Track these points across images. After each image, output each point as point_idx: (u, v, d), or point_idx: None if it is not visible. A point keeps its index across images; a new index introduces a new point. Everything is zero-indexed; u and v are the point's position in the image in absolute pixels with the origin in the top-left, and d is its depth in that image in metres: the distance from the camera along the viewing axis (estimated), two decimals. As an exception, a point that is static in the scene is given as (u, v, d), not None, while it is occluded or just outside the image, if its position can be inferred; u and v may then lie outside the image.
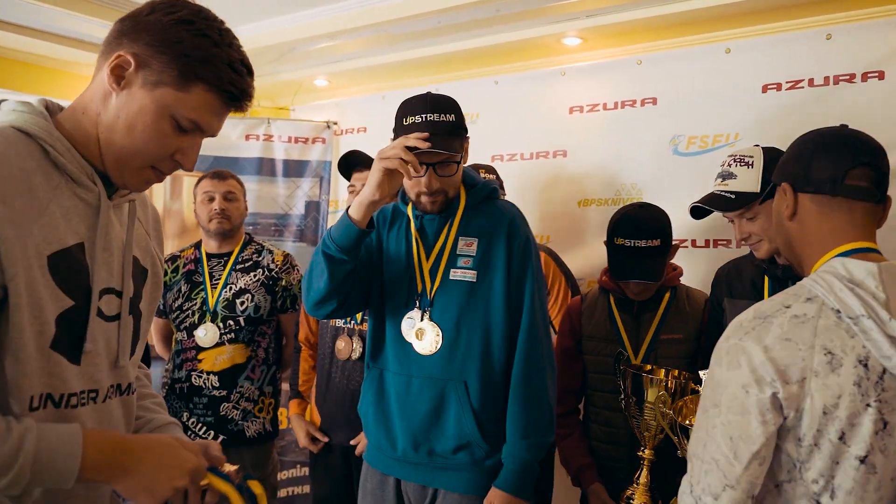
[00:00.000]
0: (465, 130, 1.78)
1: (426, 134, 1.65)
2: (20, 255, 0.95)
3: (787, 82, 2.50)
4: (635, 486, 1.89)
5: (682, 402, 1.75)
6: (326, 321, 2.43)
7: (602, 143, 2.90)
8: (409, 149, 1.63)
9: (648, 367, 1.96)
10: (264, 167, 3.67)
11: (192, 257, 2.61)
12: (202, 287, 2.52)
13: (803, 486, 1.09)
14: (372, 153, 3.52)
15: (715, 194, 1.89)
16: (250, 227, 3.59)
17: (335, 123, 3.78)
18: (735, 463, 1.09)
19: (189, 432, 2.44)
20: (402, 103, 1.77)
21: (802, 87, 2.47)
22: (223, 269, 2.54)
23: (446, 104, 1.73)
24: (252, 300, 2.50)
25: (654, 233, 2.01)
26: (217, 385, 2.45)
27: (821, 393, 1.05)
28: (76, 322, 1.04)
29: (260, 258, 2.60)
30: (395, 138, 1.74)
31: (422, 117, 1.69)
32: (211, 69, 1.04)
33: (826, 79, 2.42)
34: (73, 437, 0.97)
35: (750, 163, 1.87)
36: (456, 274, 1.76)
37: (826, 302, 1.10)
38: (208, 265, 2.57)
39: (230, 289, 2.51)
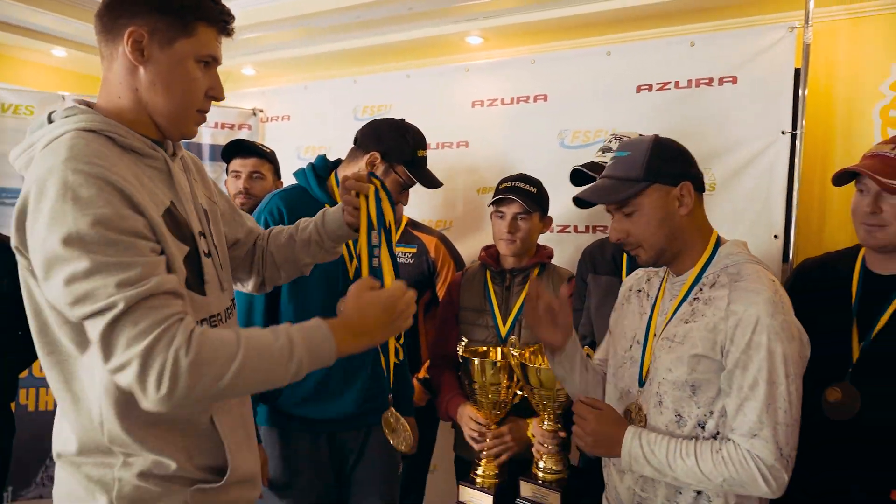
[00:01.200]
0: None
1: None
2: (157, 221, 1.15)
3: (657, 84, 2.73)
4: (481, 457, 2.10)
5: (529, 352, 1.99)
6: None
7: (500, 135, 3.11)
8: None
9: (482, 349, 2.18)
10: (191, 151, 3.80)
11: None
12: None
13: None
14: (295, 140, 3.74)
15: (594, 162, 2.11)
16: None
17: (261, 111, 3.92)
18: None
19: None
20: None
21: (670, 89, 2.70)
22: None
23: None
24: None
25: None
26: None
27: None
28: (193, 263, 1.25)
29: None
30: None
31: None
32: (203, 10, 1.23)
33: (689, 82, 2.66)
34: (320, 326, 1.20)
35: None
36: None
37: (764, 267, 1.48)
38: None
39: None
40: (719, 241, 1.55)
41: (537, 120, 3.00)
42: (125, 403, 1.15)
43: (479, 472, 2.07)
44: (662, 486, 1.49)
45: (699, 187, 1.54)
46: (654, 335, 1.55)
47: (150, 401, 1.05)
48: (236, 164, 2.62)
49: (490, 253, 2.40)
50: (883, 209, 1.63)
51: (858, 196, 1.71)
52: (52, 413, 1.29)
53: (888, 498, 1.54)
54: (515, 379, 2.02)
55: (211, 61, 1.25)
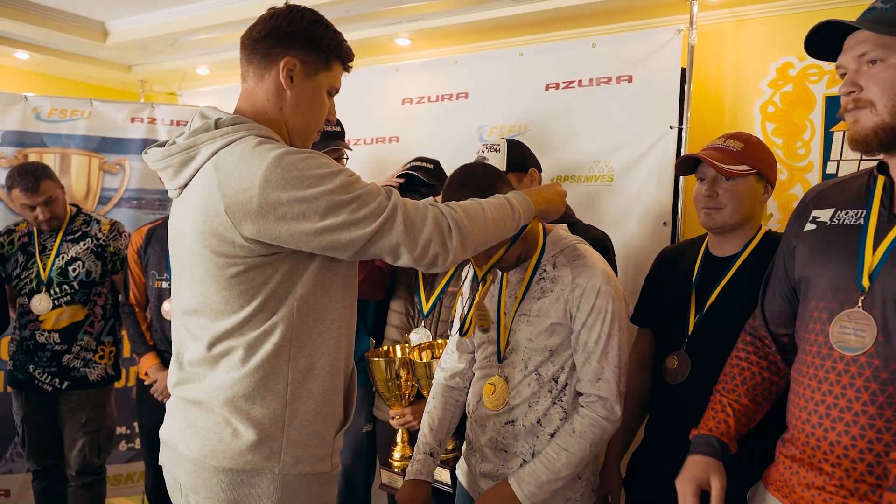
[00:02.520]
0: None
1: None
2: None
3: (563, 82, 2.91)
4: (396, 444, 2.30)
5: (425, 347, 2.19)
6: (151, 283, 2.85)
7: (427, 130, 3.30)
8: None
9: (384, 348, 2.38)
10: (147, 146, 3.99)
11: (26, 230, 3.02)
12: (34, 258, 2.94)
13: None
14: (245, 136, 3.91)
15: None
16: (135, 202, 3.93)
17: (215, 109, 4.10)
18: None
19: (36, 381, 2.84)
20: None
21: (574, 87, 2.89)
22: (54, 241, 2.97)
23: None
24: (83, 266, 2.93)
25: None
26: (58, 341, 2.89)
27: None
28: None
29: (88, 228, 3.02)
30: None
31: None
32: (341, 50, 1.49)
33: (591, 80, 2.85)
34: (518, 193, 1.59)
35: (497, 149, 2.28)
36: None
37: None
38: (40, 238, 2.98)
39: (62, 258, 2.94)
40: (545, 232, 1.78)
41: (460, 116, 3.19)
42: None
43: (396, 455, 2.27)
44: (522, 432, 1.72)
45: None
46: (506, 314, 1.75)
47: (450, 257, 1.40)
48: None
49: None
50: (718, 193, 1.82)
51: (699, 184, 1.90)
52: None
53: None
54: (412, 373, 2.21)
55: (334, 92, 1.52)
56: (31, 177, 2.82)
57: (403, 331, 2.43)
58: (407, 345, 2.29)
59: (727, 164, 1.80)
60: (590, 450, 1.65)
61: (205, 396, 1.38)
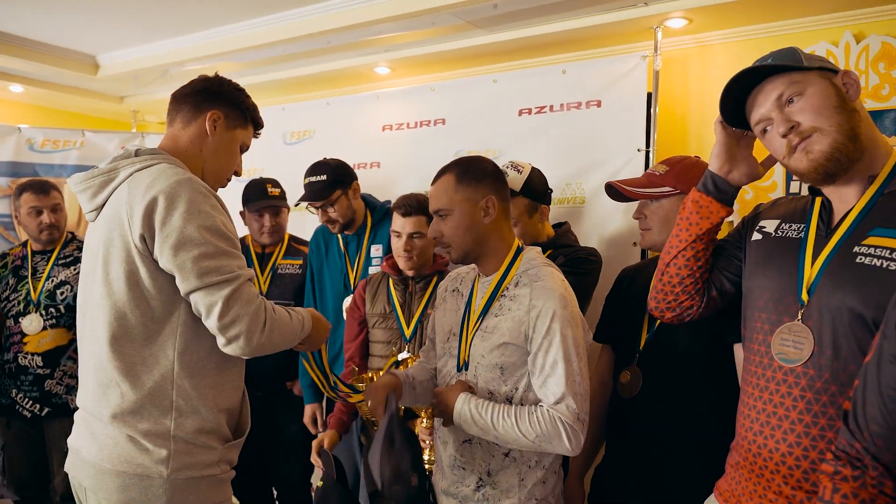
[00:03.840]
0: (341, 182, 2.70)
1: None
2: None
3: (535, 108, 2.98)
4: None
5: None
6: None
7: (407, 155, 3.37)
8: None
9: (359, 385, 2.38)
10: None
11: (21, 254, 3.09)
12: (26, 280, 2.97)
13: None
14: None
15: None
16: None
17: (136, 144, 4.18)
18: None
19: (17, 406, 2.87)
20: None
21: (546, 112, 2.96)
22: (46, 264, 3.01)
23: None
24: (71, 290, 2.95)
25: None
26: (41, 364, 2.91)
27: None
28: None
29: (80, 254, 2.99)
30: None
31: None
32: (256, 114, 1.79)
33: (562, 105, 2.92)
34: (310, 321, 1.74)
35: (519, 170, 2.32)
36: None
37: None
38: (33, 260, 3.04)
39: (52, 281, 2.98)
40: (520, 248, 1.79)
41: (437, 141, 3.25)
42: (195, 364, 1.57)
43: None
44: (479, 450, 1.74)
45: (503, 199, 1.77)
46: (470, 326, 1.79)
47: (248, 347, 1.50)
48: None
49: (391, 263, 2.57)
50: (646, 215, 1.90)
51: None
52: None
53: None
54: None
55: (245, 149, 1.79)
56: (43, 183, 3.04)
57: (387, 359, 2.45)
58: (394, 358, 2.30)
59: (647, 188, 1.87)
60: (530, 441, 1.59)
61: None
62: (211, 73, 1.79)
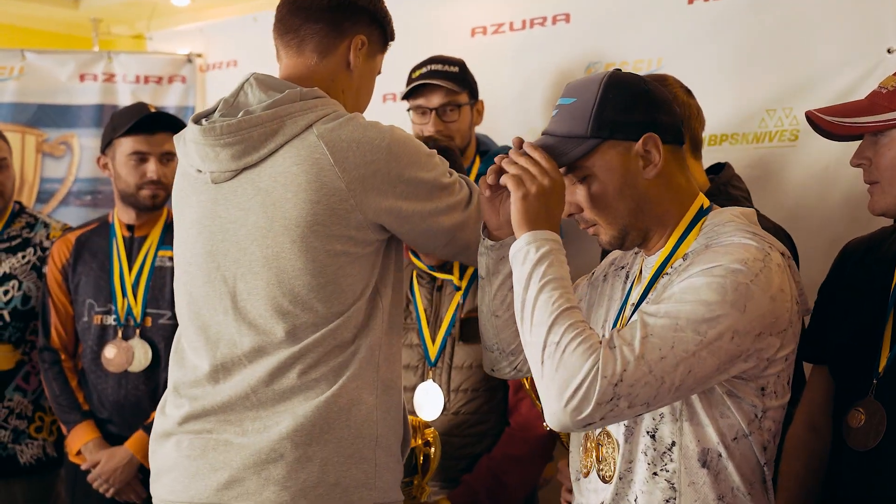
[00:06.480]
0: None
1: None
2: None
3: None
4: None
5: None
6: (86, 317, 2.89)
7: (508, 73, 3.32)
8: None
9: None
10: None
11: None
12: None
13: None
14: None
15: None
16: (88, 197, 4.03)
17: (199, 56, 4.18)
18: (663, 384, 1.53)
19: None
20: None
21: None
22: None
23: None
24: (19, 288, 2.96)
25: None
26: None
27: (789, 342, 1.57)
28: None
29: (31, 234, 3.05)
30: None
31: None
32: (392, 30, 1.94)
33: None
34: None
35: None
36: None
37: (776, 247, 1.59)
38: None
39: None
40: (704, 210, 1.67)
41: (557, 49, 3.21)
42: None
43: None
44: None
45: (672, 138, 1.65)
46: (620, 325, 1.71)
47: None
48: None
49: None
50: (871, 158, 1.81)
51: None
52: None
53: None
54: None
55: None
56: None
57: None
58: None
59: (868, 117, 1.78)
60: (537, 352, 1.49)
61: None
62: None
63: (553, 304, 1.49)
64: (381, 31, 1.88)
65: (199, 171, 1.77)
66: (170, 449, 1.77)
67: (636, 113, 1.63)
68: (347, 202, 1.66)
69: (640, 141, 1.61)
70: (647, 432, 1.60)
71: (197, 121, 1.78)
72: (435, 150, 1.81)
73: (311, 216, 1.65)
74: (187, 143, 1.79)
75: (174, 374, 1.84)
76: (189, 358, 1.80)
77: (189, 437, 1.74)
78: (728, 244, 1.55)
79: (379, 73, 1.95)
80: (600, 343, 1.44)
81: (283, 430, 1.66)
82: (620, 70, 1.72)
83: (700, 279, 1.48)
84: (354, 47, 1.80)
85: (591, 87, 1.65)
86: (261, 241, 1.69)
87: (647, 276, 1.68)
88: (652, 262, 1.69)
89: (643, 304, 1.64)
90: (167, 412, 1.81)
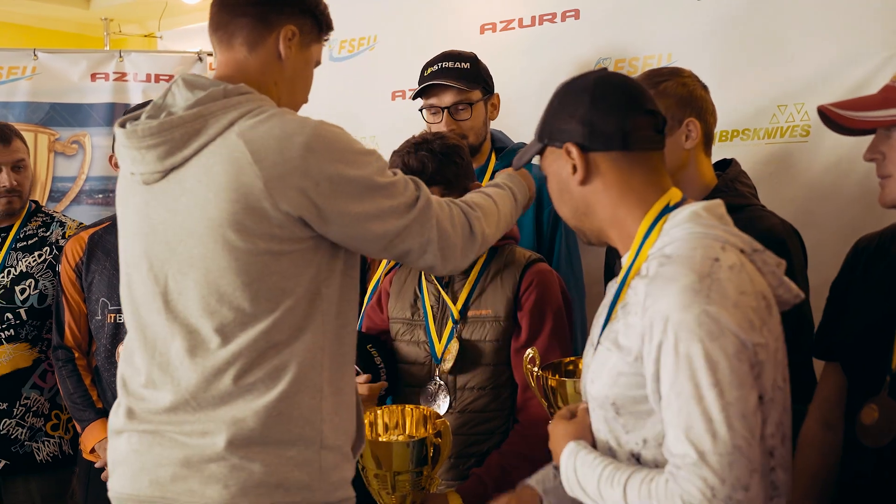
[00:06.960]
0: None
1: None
2: None
3: None
4: None
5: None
6: (100, 315, 2.90)
7: (518, 69, 3.28)
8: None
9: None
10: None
11: None
12: None
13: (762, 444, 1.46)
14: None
15: None
16: (99, 196, 4.05)
17: (210, 55, 4.18)
18: (753, 442, 1.43)
19: None
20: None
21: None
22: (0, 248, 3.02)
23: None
24: (36, 287, 2.99)
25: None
26: None
27: (770, 339, 1.47)
28: None
29: (47, 233, 3.08)
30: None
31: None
32: (328, 19, 1.93)
33: None
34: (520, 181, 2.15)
35: None
36: None
37: (732, 243, 1.52)
38: None
39: (8, 273, 2.99)
40: (669, 208, 1.62)
41: (567, 45, 3.20)
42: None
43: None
44: None
45: (612, 145, 1.62)
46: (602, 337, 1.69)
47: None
48: None
49: None
50: (884, 153, 1.81)
51: None
52: None
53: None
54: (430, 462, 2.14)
55: (316, 66, 1.95)
56: (5, 129, 3.06)
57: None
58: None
59: (881, 111, 1.78)
60: None
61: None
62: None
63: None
64: (314, 21, 1.87)
65: (132, 174, 1.76)
66: (122, 444, 1.78)
67: (571, 120, 1.63)
68: (267, 200, 1.62)
69: (563, 149, 1.62)
70: (633, 454, 1.58)
71: (123, 124, 1.77)
72: (373, 149, 1.77)
73: (231, 215, 1.63)
74: (119, 147, 1.79)
75: (124, 371, 1.84)
76: (135, 359, 1.81)
77: (137, 434, 1.75)
78: (671, 271, 1.48)
79: (318, 64, 1.94)
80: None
81: (225, 435, 1.65)
82: (606, 69, 1.75)
83: (681, 375, 1.42)
84: (285, 38, 1.80)
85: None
86: (187, 241, 1.68)
87: (616, 282, 1.66)
88: (623, 263, 1.66)
89: (612, 314, 1.63)
90: (118, 410, 1.82)
